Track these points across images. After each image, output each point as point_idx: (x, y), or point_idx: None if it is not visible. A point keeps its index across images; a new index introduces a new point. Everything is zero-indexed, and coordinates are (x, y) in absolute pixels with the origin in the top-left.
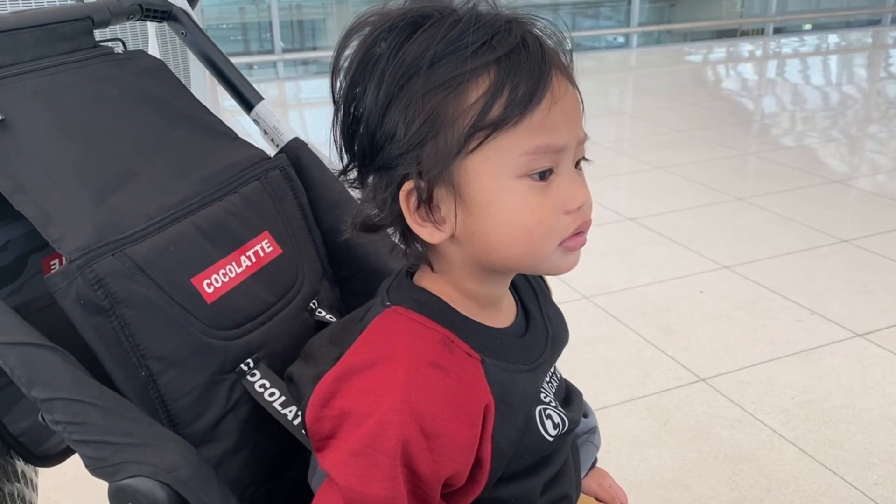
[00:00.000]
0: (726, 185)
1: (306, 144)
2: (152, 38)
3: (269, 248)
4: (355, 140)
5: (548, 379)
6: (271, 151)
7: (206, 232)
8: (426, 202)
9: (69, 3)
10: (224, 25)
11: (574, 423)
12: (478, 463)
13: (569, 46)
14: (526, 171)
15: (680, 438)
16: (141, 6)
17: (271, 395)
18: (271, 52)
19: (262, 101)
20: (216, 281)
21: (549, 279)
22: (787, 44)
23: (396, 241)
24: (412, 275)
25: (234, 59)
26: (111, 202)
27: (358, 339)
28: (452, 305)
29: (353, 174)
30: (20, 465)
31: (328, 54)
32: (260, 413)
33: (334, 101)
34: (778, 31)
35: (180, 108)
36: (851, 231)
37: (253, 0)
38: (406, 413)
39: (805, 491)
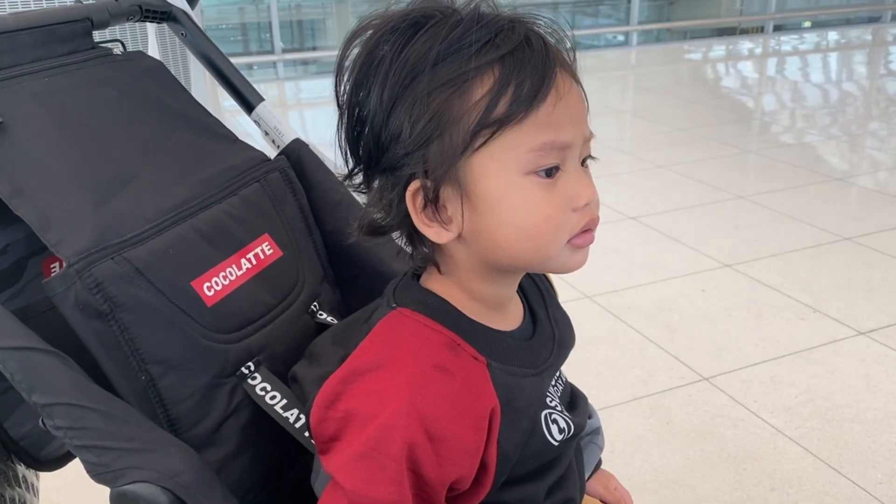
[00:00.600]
0: (728, 183)
1: (307, 145)
2: (152, 39)
3: (269, 250)
4: (360, 143)
5: (553, 383)
6: (272, 153)
7: (205, 234)
8: (433, 202)
9: (68, 4)
10: (223, 26)
11: (579, 428)
12: (483, 467)
13: (570, 45)
14: (533, 168)
15: (683, 438)
16: (140, 7)
17: (272, 398)
18: (271, 52)
19: (263, 102)
20: (216, 284)
21: (553, 279)
22: (787, 41)
23: (402, 244)
24: (419, 276)
25: (233, 60)
26: (110, 205)
27: (363, 340)
28: (459, 308)
29: (358, 178)
30: (21, 469)
31: (328, 54)
32: (261, 416)
33: (338, 105)
34: (777, 28)
35: (180, 110)
36: (853, 228)
37: (252, 0)
38: (412, 416)
39: (809, 490)
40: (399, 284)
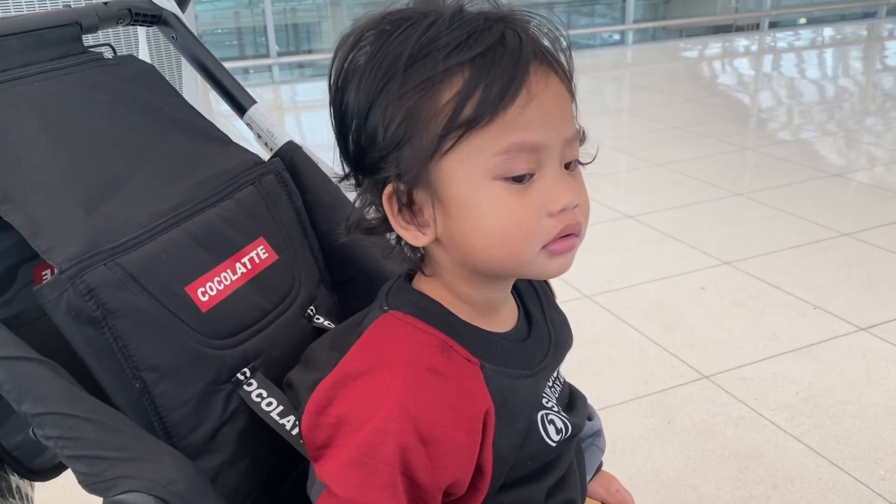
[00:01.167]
0: (725, 181)
1: (301, 148)
2: (142, 43)
3: (264, 254)
4: (348, 145)
5: (550, 384)
6: (266, 156)
7: (199, 239)
8: (407, 205)
9: (57, 8)
10: (219, 30)
11: (577, 428)
12: (479, 470)
13: (565, 45)
14: (501, 172)
15: (684, 437)
16: (130, 10)
17: (269, 404)
18: (266, 55)
19: (256, 105)
20: (211, 289)
21: (552, 280)
22: (783, 38)
23: (394, 244)
24: (412, 278)
25: (229, 64)
26: (102, 211)
27: (355, 344)
28: (451, 310)
29: (350, 180)
30: (15, 479)
31: (323, 57)
32: (257, 423)
33: (330, 111)
34: (773, 25)
35: (172, 114)
36: (852, 224)
37: (247, 4)
38: (404, 420)
39: (812, 487)
40: (392, 287)
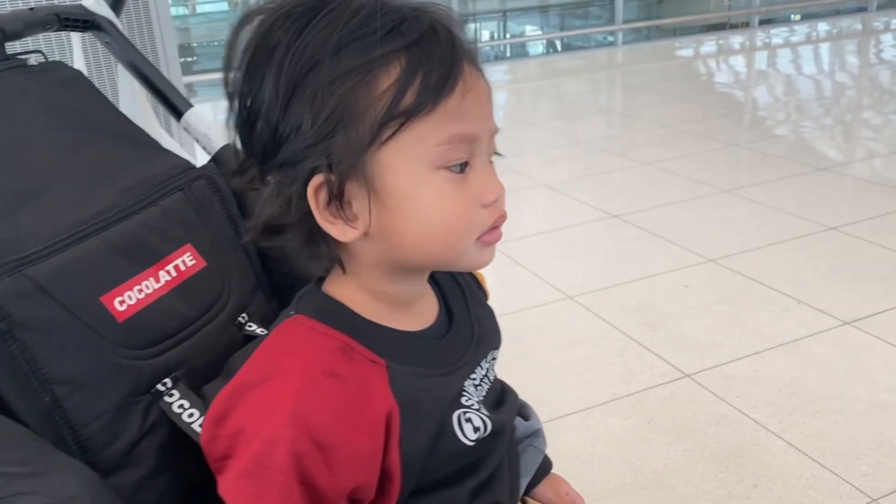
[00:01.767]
0: (713, 178)
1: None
2: (76, 49)
3: (191, 261)
4: (253, 135)
5: (477, 382)
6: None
7: (119, 247)
8: (337, 197)
9: None
10: (214, 42)
11: (499, 426)
12: (386, 474)
13: (473, 39)
14: (442, 162)
15: (664, 437)
16: (58, 16)
17: (190, 415)
18: None
19: (192, 109)
20: (130, 298)
21: (531, 281)
22: (773, 35)
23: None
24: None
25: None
26: (13, 220)
27: (255, 351)
28: (357, 310)
29: (249, 174)
30: None
31: None
32: (179, 435)
33: (228, 96)
34: (766, 21)
35: (99, 120)
36: (839, 218)
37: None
38: (296, 426)
39: (792, 485)
40: (304, 292)
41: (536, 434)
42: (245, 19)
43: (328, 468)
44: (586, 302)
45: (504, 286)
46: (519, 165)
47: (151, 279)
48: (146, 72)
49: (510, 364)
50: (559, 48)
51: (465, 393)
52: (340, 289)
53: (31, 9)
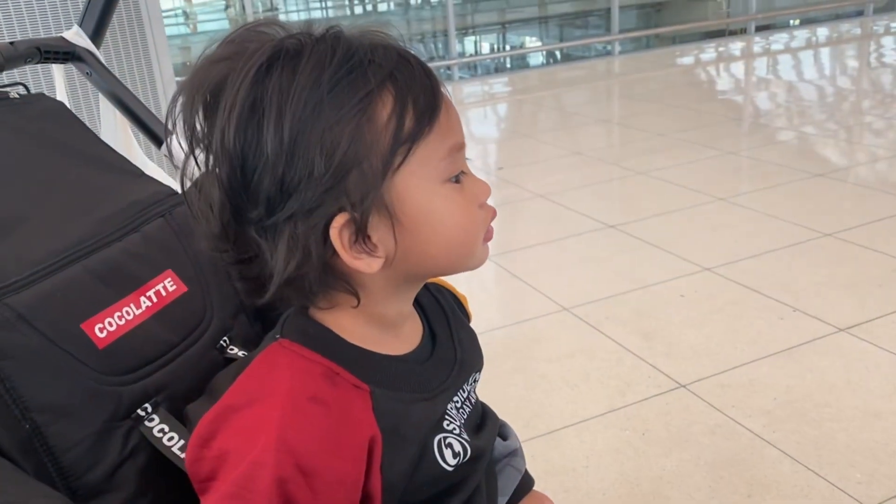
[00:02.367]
0: (708, 187)
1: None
2: (58, 81)
3: (172, 286)
4: (249, 194)
5: (458, 405)
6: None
7: (99, 275)
8: (361, 233)
9: None
10: None
11: (479, 451)
12: (368, 497)
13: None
14: (447, 175)
15: (659, 448)
16: (39, 49)
17: (170, 439)
18: None
19: (173, 136)
20: (110, 325)
21: (526, 292)
22: (772, 41)
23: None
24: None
25: None
26: None
27: (241, 374)
28: (342, 335)
29: (236, 240)
30: None
31: None
32: (160, 459)
33: (206, 161)
34: (764, 27)
35: (80, 149)
36: (834, 224)
37: None
38: (281, 451)
39: (787, 494)
40: (290, 315)
41: (515, 453)
42: (200, 85)
43: (311, 493)
44: (582, 313)
45: (500, 298)
46: (516, 177)
47: (132, 305)
48: (127, 101)
49: (506, 376)
50: (559, 58)
51: (447, 416)
52: (329, 313)
53: (12, 43)
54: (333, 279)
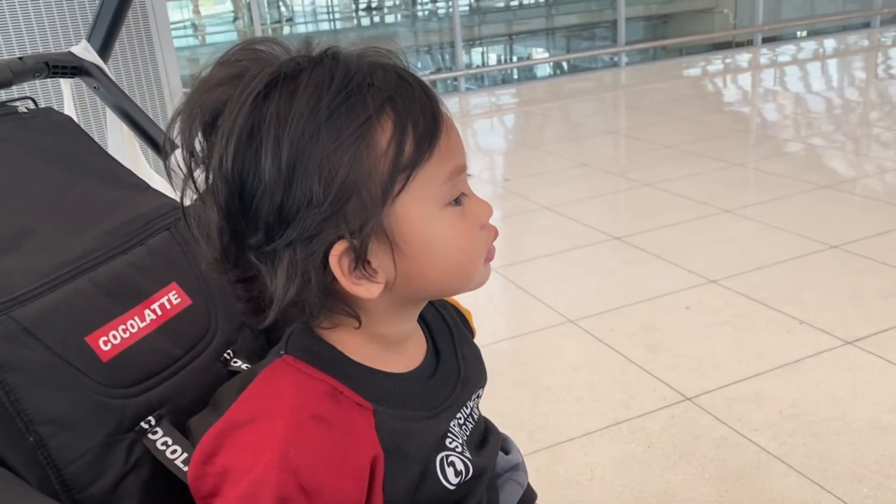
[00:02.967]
0: (714, 198)
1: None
2: (66, 95)
3: (176, 299)
4: (248, 220)
5: (461, 422)
6: None
7: (104, 287)
8: (360, 260)
9: None
10: None
11: (480, 469)
12: None
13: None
14: (448, 199)
15: (664, 462)
16: (48, 64)
17: (173, 452)
18: None
19: (178, 150)
20: (114, 338)
21: (531, 304)
22: (778, 53)
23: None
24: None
25: None
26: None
27: (245, 390)
28: (346, 352)
29: (236, 262)
30: None
31: None
32: (163, 472)
33: (207, 185)
34: (770, 39)
35: (86, 163)
36: (841, 236)
37: None
38: (283, 470)
39: None
40: (294, 331)
41: (517, 468)
42: (196, 110)
43: None
44: (588, 325)
45: (505, 310)
46: (522, 189)
47: (136, 318)
48: (134, 115)
49: (511, 389)
50: (566, 69)
51: (449, 434)
52: (333, 331)
53: (21, 58)
54: (333, 302)
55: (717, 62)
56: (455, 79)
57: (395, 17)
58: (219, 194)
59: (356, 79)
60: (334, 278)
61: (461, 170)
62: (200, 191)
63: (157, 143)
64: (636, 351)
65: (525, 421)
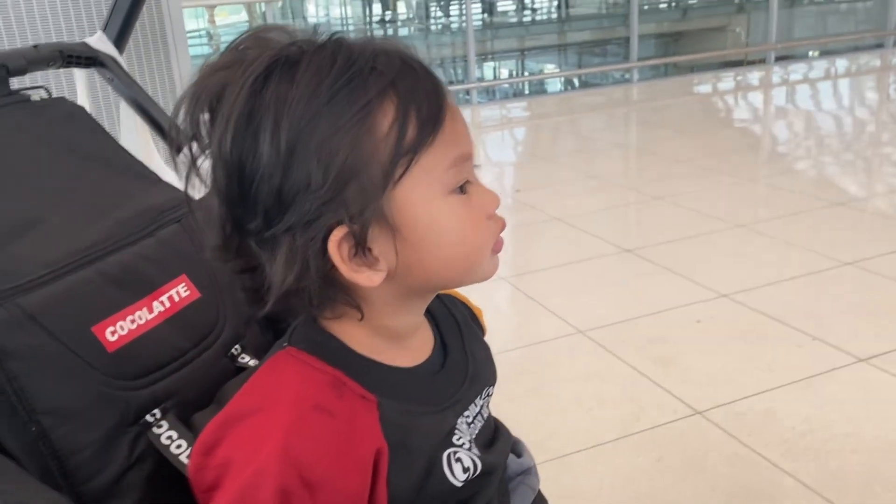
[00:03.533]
0: (727, 213)
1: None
2: (80, 85)
3: (185, 292)
4: (247, 204)
5: (469, 420)
6: None
7: (113, 278)
8: (360, 246)
9: None
10: None
11: (490, 467)
12: None
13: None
14: (452, 186)
15: (673, 476)
16: (62, 53)
17: (178, 447)
18: None
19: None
20: (121, 328)
21: (538, 314)
22: (790, 71)
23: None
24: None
25: None
26: (7, 251)
27: (247, 382)
28: (351, 345)
29: (236, 248)
30: None
31: None
32: (167, 467)
33: (213, 169)
34: (783, 58)
35: (98, 153)
36: (855, 253)
37: None
38: (285, 462)
39: None
40: (299, 323)
41: (529, 471)
42: (202, 92)
43: None
44: (598, 337)
45: (515, 320)
46: (533, 200)
47: (144, 310)
48: (148, 107)
49: (519, 398)
50: (577, 85)
51: (457, 431)
52: (337, 322)
53: (35, 46)
54: (335, 291)
55: (728, 79)
56: (467, 91)
57: (409, 30)
58: (218, 179)
59: (358, 63)
60: (334, 266)
61: (466, 157)
62: (202, 179)
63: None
64: (646, 363)
65: (533, 431)
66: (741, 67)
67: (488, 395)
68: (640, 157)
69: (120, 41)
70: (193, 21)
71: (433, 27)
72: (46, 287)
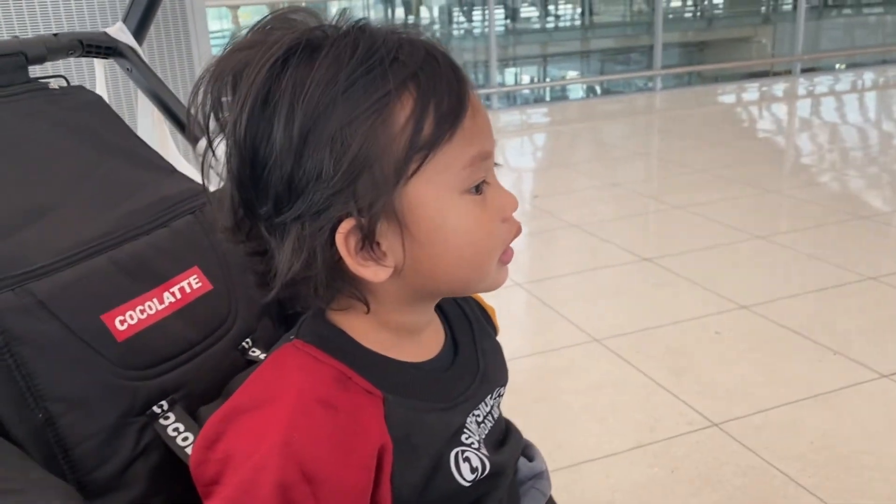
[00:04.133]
0: (748, 224)
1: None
2: (99, 75)
3: (197, 283)
4: (259, 189)
5: (479, 419)
6: None
7: (124, 267)
8: (368, 240)
9: (4, 39)
10: None
11: (499, 468)
12: None
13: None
14: (467, 185)
15: (688, 488)
16: (81, 42)
17: (185, 439)
18: None
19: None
20: (131, 318)
21: (557, 323)
22: (816, 83)
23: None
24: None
25: None
26: (18, 237)
27: (251, 375)
28: (359, 339)
29: (248, 231)
30: None
31: None
32: (173, 459)
33: (230, 149)
34: (809, 70)
35: (114, 143)
36: (879, 268)
37: None
38: (286, 456)
39: None
40: (307, 317)
41: (540, 476)
42: (221, 73)
43: (316, 501)
44: (614, 346)
45: (531, 327)
46: (551, 206)
47: (155, 300)
48: (166, 99)
49: (532, 405)
50: (599, 92)
51: (466, 430)
52: (344, 316)
53: (55, 35)
54: (342, 283)
55: (753, 90)
56: (487, 97)
57: (431, 34)
58: (232, 160)
59: (380, 52)
60: (341, 257)
61: (486, 155)
62: (218, 160)
63: (187, 128)
64: (662, 373)
65: (544, 438)
66: (766, 78)
67: (499, 396)
68: (660, 166)
69: (140, 32)
70: (217, 22)
71: (455, 32)
72: (57, 274)
